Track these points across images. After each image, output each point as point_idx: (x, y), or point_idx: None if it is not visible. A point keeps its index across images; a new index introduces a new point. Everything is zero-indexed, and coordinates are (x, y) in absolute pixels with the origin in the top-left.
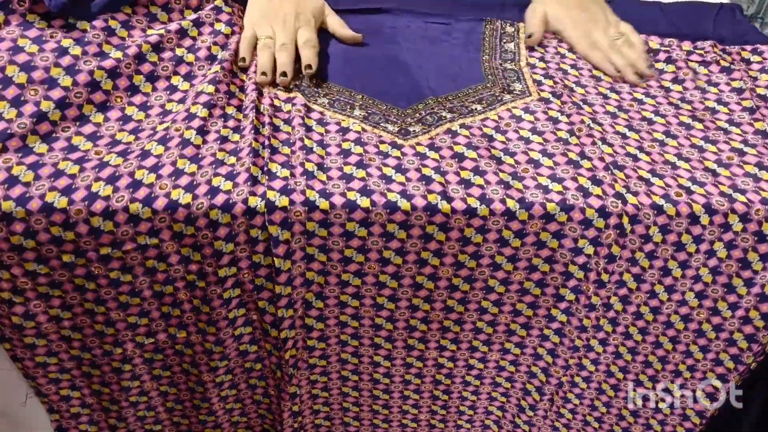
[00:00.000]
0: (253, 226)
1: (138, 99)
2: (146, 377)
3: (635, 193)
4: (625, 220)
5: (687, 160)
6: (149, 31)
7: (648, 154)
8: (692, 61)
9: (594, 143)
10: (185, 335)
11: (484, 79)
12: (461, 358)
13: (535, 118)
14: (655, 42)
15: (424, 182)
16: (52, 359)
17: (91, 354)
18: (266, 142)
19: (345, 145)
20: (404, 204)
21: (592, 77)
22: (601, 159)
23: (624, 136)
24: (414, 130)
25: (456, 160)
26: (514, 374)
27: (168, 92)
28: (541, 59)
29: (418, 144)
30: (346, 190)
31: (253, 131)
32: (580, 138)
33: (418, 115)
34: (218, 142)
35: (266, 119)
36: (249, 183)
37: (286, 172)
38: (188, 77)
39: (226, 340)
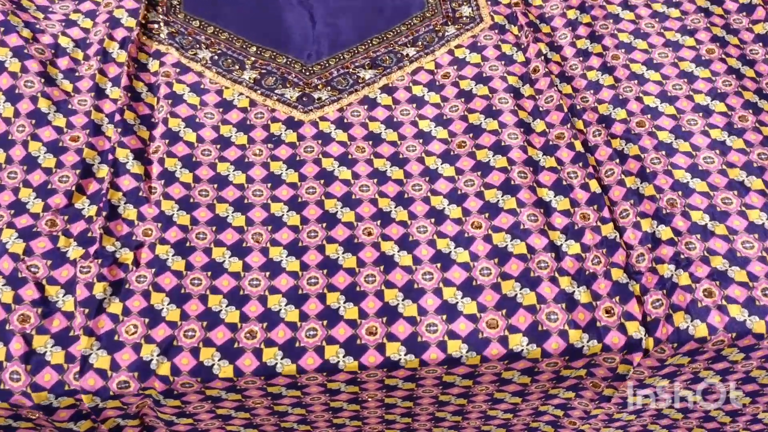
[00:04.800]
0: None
1: None
2: None
3: None
4: None
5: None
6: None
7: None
8: None
9: (552, 85)
10: None
11: (423, 4)
12: None
13: (483, 58)
14: None
15: (323, 181)
16: None
17: None
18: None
19: (224, 131)
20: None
21: None
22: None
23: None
24: (319, 98)
25: (370, 143)
26: None
27: None
28: None
29: (323, 119)
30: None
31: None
32: (535, 86)
33: (327, 74)
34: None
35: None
36: None
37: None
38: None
39: None
